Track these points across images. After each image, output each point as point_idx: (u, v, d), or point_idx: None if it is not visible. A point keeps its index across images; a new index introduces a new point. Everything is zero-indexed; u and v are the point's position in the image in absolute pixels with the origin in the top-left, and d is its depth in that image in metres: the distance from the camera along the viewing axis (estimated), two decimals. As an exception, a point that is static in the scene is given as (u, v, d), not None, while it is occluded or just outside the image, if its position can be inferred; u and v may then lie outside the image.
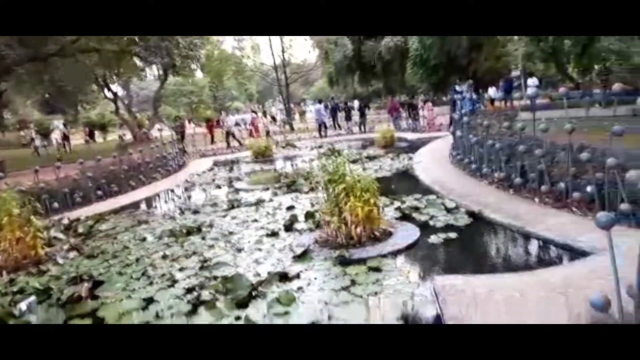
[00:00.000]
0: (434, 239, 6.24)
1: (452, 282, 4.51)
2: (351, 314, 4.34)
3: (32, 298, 5.42)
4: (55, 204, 10.87)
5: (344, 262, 5.69)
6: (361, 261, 5.65)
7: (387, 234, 6.44)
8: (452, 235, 6.31)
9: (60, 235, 8.72)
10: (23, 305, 5.21)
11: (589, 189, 5.45)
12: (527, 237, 5.87)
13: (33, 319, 4.97)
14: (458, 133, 11.34)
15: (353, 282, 5.09)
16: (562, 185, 6.28)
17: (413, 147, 16.15)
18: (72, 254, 7.51)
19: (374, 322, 4.14)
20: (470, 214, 7.00)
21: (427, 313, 4.21)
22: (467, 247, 6.13)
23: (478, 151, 9.42)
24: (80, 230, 9.02)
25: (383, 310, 4.35)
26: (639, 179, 3.71)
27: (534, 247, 5.67)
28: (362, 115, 25.90)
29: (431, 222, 6.96)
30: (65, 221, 9.67)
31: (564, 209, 6.26)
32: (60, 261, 7.14)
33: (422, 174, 10.75)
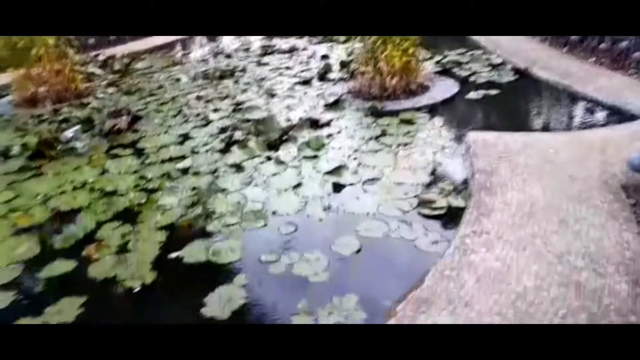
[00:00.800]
0: (473, 95, 5.98)
1: (485, 137, 4.42)
2: (379, 161, 4.41)
3: (77, 127, 5.71)
4: (91, 40, 10.79)
5: (375, 113, 5.61)
6: (394, 113, 5.55)
7: (424, 88, 6.20)
8: (493, 92, 6.01)
9: (98, 71, 8.84)
10: (69, 133, 5.52)
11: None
12: (574, 96, 5.53)
13: (79, 145, 5.29)
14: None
15: (383, 133, 5.07)
16: (623, 44, 5.67)
17: None
18: (110, 90, 7.69)
19: (399, 170, 4.20)
20: (516, 70, 6.56)
21: (456, 165, 4.22)
22: (506, 104, 5.86)
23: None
24: (117, 67, 9.08)
25: (411, 160, 4.38)
26: None
27: (579, 107, 5.38)
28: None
29: (472, 78, 6.60)
30: (102, 58, 9.70)
31: (620, 71, 5.76)
32: (100, 95, 7.34)
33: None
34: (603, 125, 4.74)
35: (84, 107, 6.79)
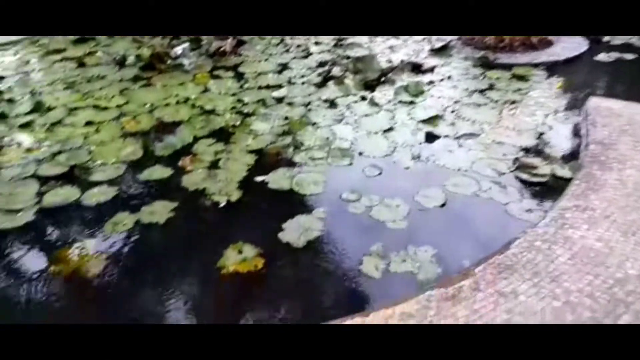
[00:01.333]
0: (603, 56, 5.26)
1: (609, 105, 3.90)
2: (480, 116, 4.10)
3: (186, 44, 5.93)
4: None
5: (486, 64, 5.17)
6: (507, 67, 5.07)
7: (547, 43, 5.55)
8: (629, 56, 5.24)
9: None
10: (178, 50, 5.77)
11: None
12: None
13: (186, 62, 5.52)
14: None
15: (491, 87, 4.68)
16: None
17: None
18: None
19: (502, 129, 3.88)
20: (664, 35, 5.62)
21: (569, 132, 3.81)
22: (642, 72, 5.10)
23: None
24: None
25: (517, 120, 4.02)
26: None
27: None
28: None
29: (607, 38, 5.78)
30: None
31: None
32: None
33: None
34: None
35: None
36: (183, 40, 6.13)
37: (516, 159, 3.45)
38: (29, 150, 3.76)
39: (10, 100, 4.66)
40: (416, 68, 5.20)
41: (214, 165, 3.51)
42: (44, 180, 3.36)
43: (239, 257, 2.61)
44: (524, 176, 3.27)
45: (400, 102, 4.47)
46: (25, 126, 4.15)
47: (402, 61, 5.34)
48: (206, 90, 4.85)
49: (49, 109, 4.47)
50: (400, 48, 5.89)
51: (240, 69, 5.37)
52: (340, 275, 2.56)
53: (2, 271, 2.64)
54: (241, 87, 4.90)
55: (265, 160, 3.60)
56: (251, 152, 3.68)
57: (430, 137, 3.86)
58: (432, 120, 4.09)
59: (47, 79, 5.22)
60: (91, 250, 2.71)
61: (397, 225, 2.86)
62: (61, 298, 2.47)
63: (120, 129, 4.09)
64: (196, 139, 3.88)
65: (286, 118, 4.22)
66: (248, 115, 4.30)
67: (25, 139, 3.94)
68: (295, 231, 2.81)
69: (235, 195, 3.16)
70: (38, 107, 4.46)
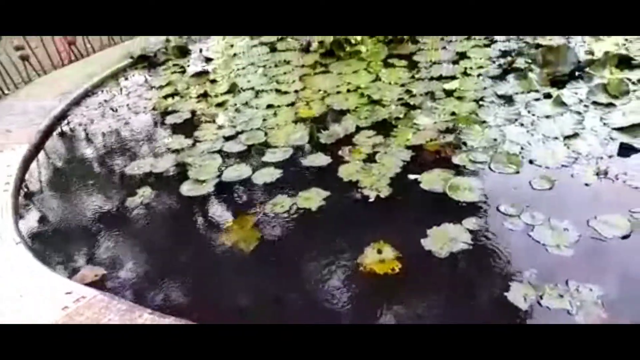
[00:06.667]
0: None
1: None
2: None
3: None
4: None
5: None
6: None
7: None
8: None
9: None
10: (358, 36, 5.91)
11: None
12: None
13: (363, 49, 5.63)
14: None
15: None
16: None
17: None
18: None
19: None
20: None
21: None
22: None
23: None
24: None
25: None
26: None
27: None
28: None
29: None
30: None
31: None
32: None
33: None
34: None
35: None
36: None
37: None
38: (220, 127, 4.37)
39: (214, 81, 5.45)
40: (625, 62, 4.36)
41: (370, 157, 3.57)
42: (226, 155, 3.89)
43: (378, 257, 2.64)
44: None
45: (594, 103, 3.83)
46: (220, 105, 4.82)
47: (606, 52, 4.52)
48: (377, 79, 4.89)
49: (241, 90, 5.09)
50: (608, 36, 4.98)
51: (415, 58, 5.25)
52: (480, 299, 2.39)
53: (181, 231, 3.19)
54: (412, 77, 4.80)
55: (423, 158, 3.51)
56: (409, 147, 3.62)
57: (626, 150, 3.23)
58: (632, 129, 3.41)
59: (243, 62, 5.93)
60: (249, 226, 3.05)
61: (560, 252, 2.51)
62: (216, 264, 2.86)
63: (294, 113, 4.44)
64: (359, 129, 3.98)
65: (453, 113, 4.01)
66: (413, 107, 4.21)
67: (219, 117, 4.59)
68: (440, 239, 2.70)
69: (385, 192, 3.17)
70: (232, 89, 5.12)
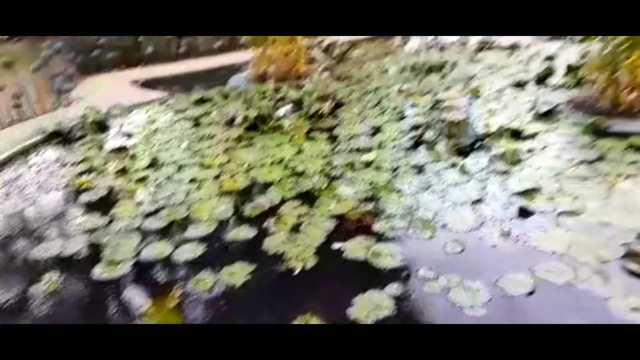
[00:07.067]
0: None
1: None
2: (585, 191, 3.72)
3: (289, 106, 6.36)
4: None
5: (597, 131, 4.73)
6: (622, 135, 4.59)
7: (675, 108, 4.94)
8: None
9: (319, 56, 9.61)
10: (282, 111, 6.20)
11: None
12: None
13: (286, 123, 5.88)
14: None
15: (601, 158, 4.25)
16: None
17: None
18: (324, 75, 8.29)
19: (610, 207, 3.47)
20: None
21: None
22: None
23: None
24: (336, 53, 9.72)
25: (628, 198, 3.57)
26: None
27: None
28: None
29: None
30: (325, 43, 10.50)
31: None
32: (315, 79, 7.99)
33: None
34: None
35: (300, 88, 7.49)
36: (286, 102, 6.58)
37: (625, 245, 3.04)
38: (139, 203, 4.24)
39: (134, 156, 5.35)
40: (516, 134, 4.94)
41: (295, 228, 3.62)
42: (145, 233, 3.75)
43: (304, 330, 2.61)
44: (633, 267, 2.85)
45: (493, 171, 4.25)
46: (141, 180, 4.71)
47: (501, 126, 5.11)
48: (300, 151, 5.09)
49: (163, 165, 5.03)
50: (502, 111, 5.65)
51: (335, 131, 5.57)
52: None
53: (89, 321, 2.96)
54: (333, 149, 5.06)
55: (345, 227, 3.62)
56: (332, 217, 3.74)
57: (524, 213, 3.58)
58: (528, 193, 3.80)
59: (166, 137, 5.92)
60: (168, 309, 2.91)
61: (475, 312, 2.65)
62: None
63: (219, 187, 4.44)
64: (283, 201, 4.05)
65: (371, 183, 4.23)
66: (335, 178, 4.40)
67: (139, 193, 4.46)
68: (365, 308, 2.75)
69: (311, 262, 3.20)
70: (154, 163, 5.05)
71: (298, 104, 6.57)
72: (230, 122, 6.13)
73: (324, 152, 5.01)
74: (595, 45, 5.71)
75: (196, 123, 6.30)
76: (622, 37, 4.98)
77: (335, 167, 4.62)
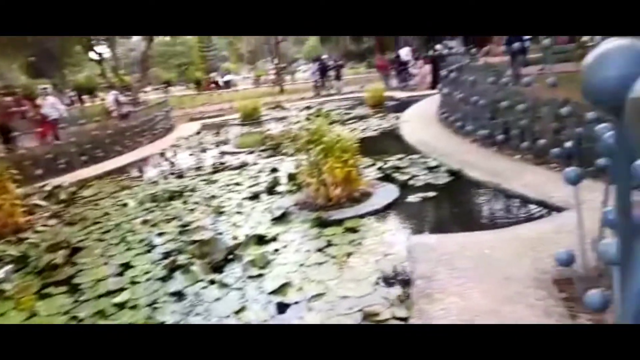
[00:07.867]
0: (412, 198, 6.21)
1: (425, 241, 4.51)
2: (324, 274, 4.35)
3: (9, 267, 5.41)
4: (38, 171, 10.75)
5: (321, 223, 5.68)
6: (338, 222, 5.64)
7: (366, 195, 6.41)
8: (431, 194, 6.28)
9: (42, 203, 8.66)
10: (0, 274, 5.21)
11: (567, 144, 5.37)
12: (504, 194, 5.84)
13: (8, 286, 4.96)
14: (445, 90, 11.12)
15: (329, 243, 5.09)
16: (541, 141, 6.19)
17: (402, 106, 15.88)
18: (52, 221, 7.48)
19: (344, 282, 4.15)
20: (451, 172, 6.95)
21: (399, 272, 4.22)
22: (444, 205, 6.12)
23: (463, 108, 9.27)
24: (62, 196, 8.95)
25: (354, 271, 4.35)
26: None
27: (510, 204, 5.65)
28: (337, 77, 26.14)
29: (411, 182, 6.92)
30: (48, 188, 9.58)
31: (543, 165, 6.21)
32: (40, 228, 7.11)
33: (407, 133, 10.62)
34: (533, 220, 4.95)
35: (21, 242, 6.52)
36: (5, 263, 5.61)
37: (361, 310, 3.65)
38: None
39: None
40: (260, 239, 5.46)
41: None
42: None
43: None
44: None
45: (249, 277, 4.55)
46: None
47: (246, 235, 5.57)
48: (34, 314, 4.34)
49: None
50: (245, 222, 6.19)
51: (76, 280, 5.00)
52: None
53: None
54: (76, 301, 4.51)
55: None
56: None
57: (282, 308, 3.92)
58: (281, 289, 4.19)
59: None
60: None
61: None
62: None
63: None
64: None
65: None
66: (85, 331, 3.89)
67: None
68: None
69: None
70: None
71: (22, 261, 5.68)
72: None
73: (64, 307, 4.40)
74: (302, 157, 7.01)
75: None
76: (318, 147, 6.30)
77: (82, 320, 4.11)
